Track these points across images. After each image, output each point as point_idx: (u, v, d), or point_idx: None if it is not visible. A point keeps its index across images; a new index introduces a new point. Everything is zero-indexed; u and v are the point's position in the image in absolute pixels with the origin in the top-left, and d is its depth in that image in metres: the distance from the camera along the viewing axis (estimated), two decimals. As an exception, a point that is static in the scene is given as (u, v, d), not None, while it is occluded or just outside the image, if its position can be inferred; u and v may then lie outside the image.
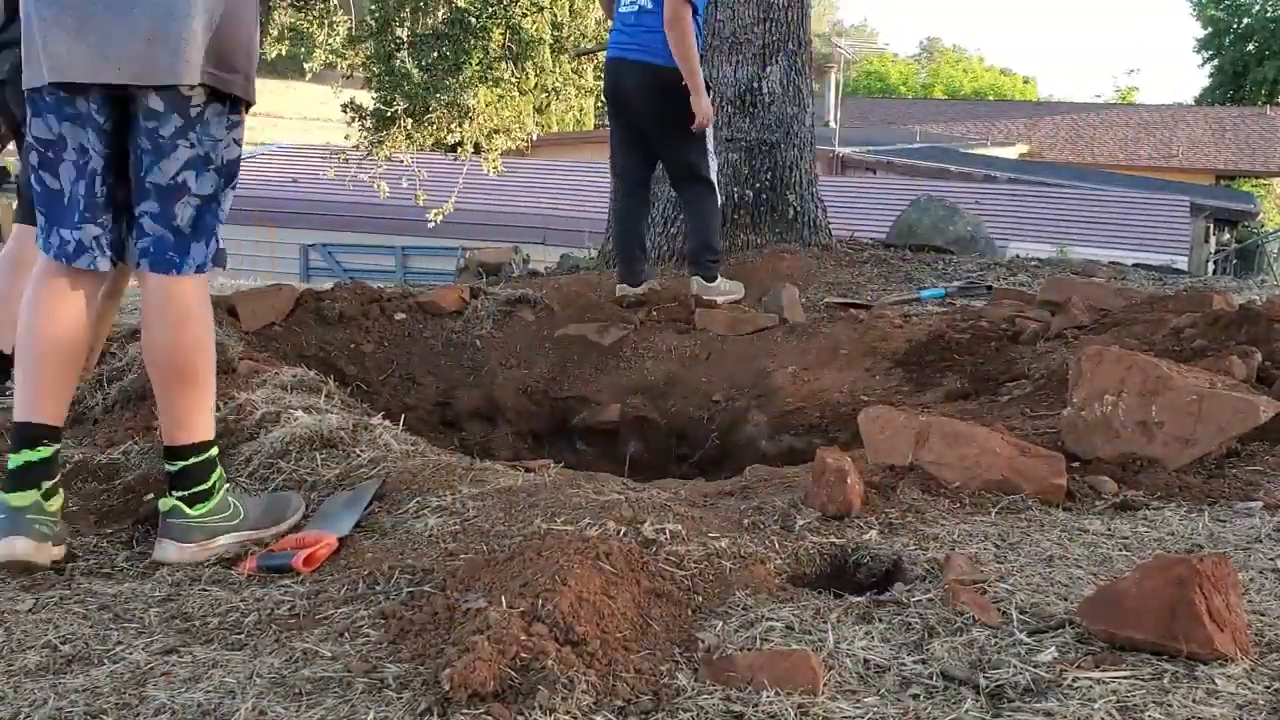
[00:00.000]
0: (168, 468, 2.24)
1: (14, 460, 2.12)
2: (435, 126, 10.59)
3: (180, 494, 2.21)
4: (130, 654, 1.74)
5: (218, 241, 2.24)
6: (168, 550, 2.17)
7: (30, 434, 2.14)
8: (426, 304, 4.37)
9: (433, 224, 12.63)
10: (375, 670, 1.62)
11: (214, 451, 2.27)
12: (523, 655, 1.52)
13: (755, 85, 5.84)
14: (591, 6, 11.29)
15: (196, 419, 2.23)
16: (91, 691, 1.61)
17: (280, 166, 18.62)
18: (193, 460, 2.22)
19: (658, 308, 4.45)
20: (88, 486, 2.66)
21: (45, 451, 2.14)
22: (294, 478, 2.56)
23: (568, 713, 1.45)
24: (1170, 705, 1.43)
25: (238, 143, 2.22)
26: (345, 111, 11.11)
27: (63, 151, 2.13)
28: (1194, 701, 1.44)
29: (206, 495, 2.22)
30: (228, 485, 2.31)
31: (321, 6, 10.42)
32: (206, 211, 2.18)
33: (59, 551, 2.14)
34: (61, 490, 2.21)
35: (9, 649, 1.77)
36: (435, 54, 10.25)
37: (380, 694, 1.55)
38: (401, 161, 11.85)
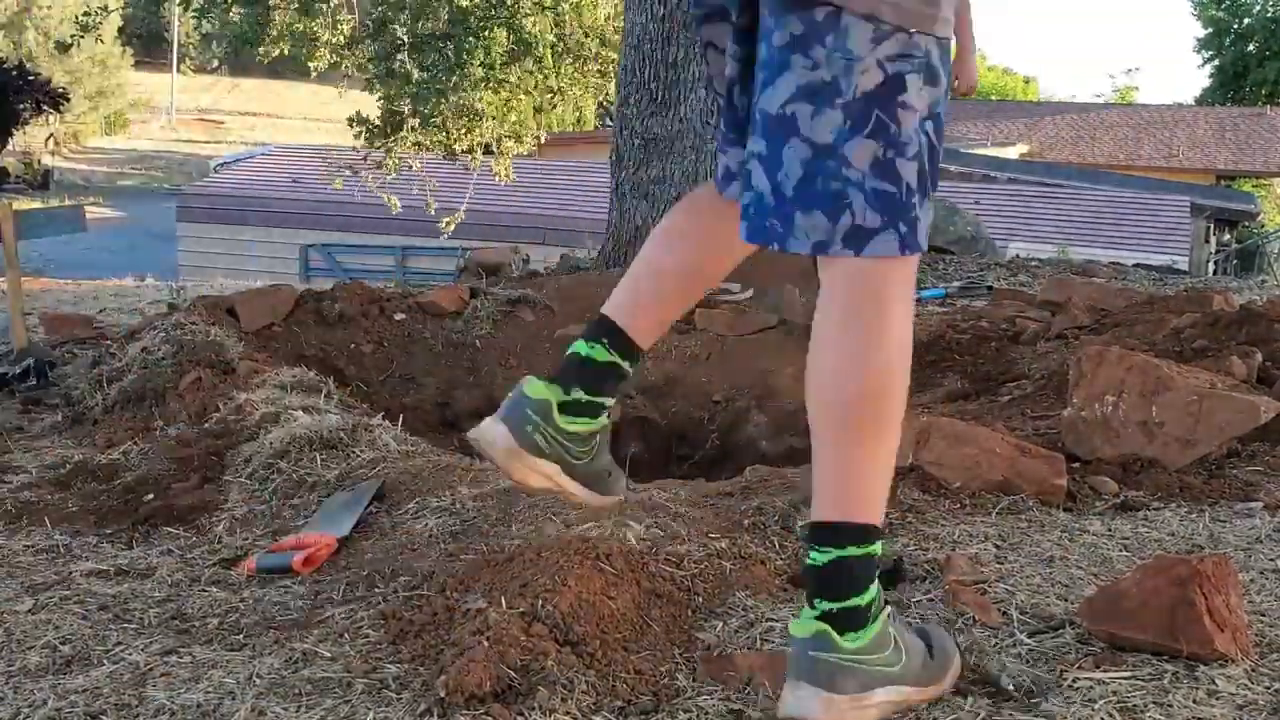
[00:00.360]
0: (810, 558, 1.46)
1: (577, 345, 1.65)
2: (446, 134, 10.58)
3: (827, 608, 1.43)
4: (130, 654, 1.74)
5: (854, 217, 1.43)
6: (807, 702, 1.41)
7: (601, 329, 1.64)
8: (426, 304, 4.37)
9: (445, 234, 12.61)
10: (375, 671, 1.62)
11: (878, 547, 1.47)
12: (522, 656, 1.52)
13: (755, 85, 5.83)
14: (597, 3, 11.30)
15: (869, 488, 1.47)
16: (91, 692, 1.61)
17: (280, 166, 18.62)
18: (852, 551, 1.44)
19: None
20: (88, 486, 2.66)
21: (601, 355, 1.62)
22: (293, 478, 2.56)
23: (568, 713, 1.45)
24: (1170, 705, 1.43)
25: (902, 76, 1.41)
26: (351, 125, 11.10)
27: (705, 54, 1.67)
28: (1194, 702, 1.44)
29: (864, 619, 1.45)
30: (889, 609, 1.50)
31: (322, 5, 10.41)
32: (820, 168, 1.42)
33: (552, 470, 1.60)
34: (605, 426, 1.66)
35: (9, 649, 1.77)
36: (436, 55, 10.24)
37: (380, 694, 1.55)
38: (410, 168, 11.83)
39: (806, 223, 1.43)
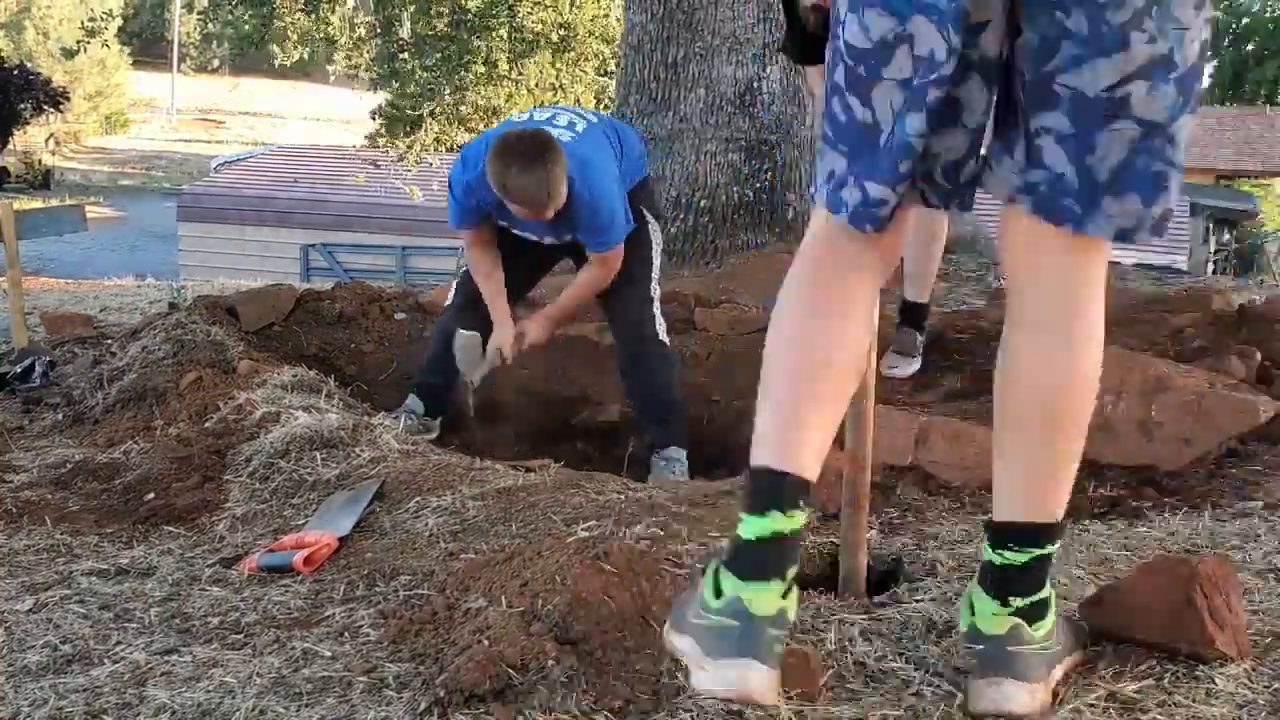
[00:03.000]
0: (996, 558, 1.46)
1: (753, 527, 1.42)
2: (465, 127, 10.61)
3: (1021, 604, 1.45)
4: (131, 653, 1.74)
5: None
6: (1011, 695, 1.42)
7: (781, 489, 1.42)
8: (426, 304, 4.37)
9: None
10: (375, 670, 1.62)
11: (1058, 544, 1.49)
12: (522, 655, 1.52)
13: (755, 85, 5.83)
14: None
15: (1066, 486, 1.48)
16: (91, 691, 1.61)
17: (280, 166, 18.62)
18: (1047, 550, 1.47)
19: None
20: (88, 486, 2.66)
21: (797, 519, 1.43)
22: (294, 478, 2.56)
23: (567, 712, 1.45)
24: (1171, 705, 1.43)
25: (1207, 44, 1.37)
26: (374, 118, 11.13)
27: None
28: (1194, 701, 1.44)
29: (1045, 609, 1.48)
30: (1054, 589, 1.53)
31: (327, 6, 10.41)
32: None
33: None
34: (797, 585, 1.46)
35: (9, 649, 1.77)
36: (439, 54, 10.26)
37: (380, 694, 1.55)
38: (430, 164, 11.85)
39: (1117, 207, 1.36)
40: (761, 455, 1.44)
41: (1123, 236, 1.38)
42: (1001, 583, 1.47)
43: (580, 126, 3.33)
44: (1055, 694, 1.47)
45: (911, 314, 3.42)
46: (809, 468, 1.43)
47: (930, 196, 1.47)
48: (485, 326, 3.43)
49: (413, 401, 3.52)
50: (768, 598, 1.39)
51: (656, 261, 3.52)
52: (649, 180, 3.54)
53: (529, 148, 3.02)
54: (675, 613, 1.52)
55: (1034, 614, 1.47)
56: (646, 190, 3.52)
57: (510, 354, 3.42)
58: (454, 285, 3.66)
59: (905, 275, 3.34)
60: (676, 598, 1.60)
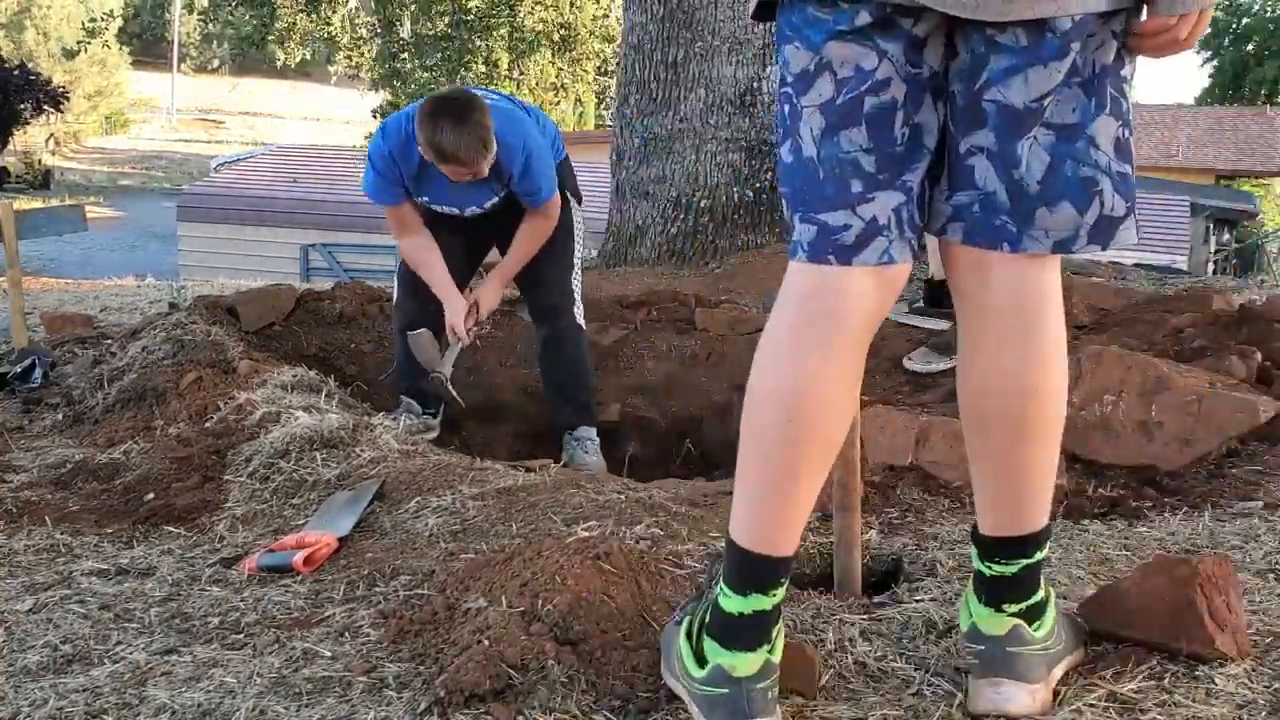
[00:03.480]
0: (986, 569, 1.48)
1: (735, 603, 1.40)
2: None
3: (1016, 609, 1.47)
4: (130, 654, 1.74)
5: None
6: (1011, 695, 1.43)
7: (764, 574, 1.40)
8: (427, 304, 4.37)
9: None
10: (375, 670, 1.62)
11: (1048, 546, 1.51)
12: (522, 655, 1.52)
13: (755, 85, 5.84)
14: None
15: (1046, 495, 1.47)
16: (91, 691, 1.61)
17: (280, 166, 18.61)
18: (1037, 558, 1.48)
19: (658, 308, 4.45)
20: (88, 486, 2.66)
21: (779, 594, 1.42)
22: (294, 478, 2.56)
23: (567, 712, 1.45)
24: (1171, 705, 1.43)
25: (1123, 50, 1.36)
26: (376, 117, 11.17)
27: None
28: (1194, 701, 1.44)
29: (1043, 609, 1.50)
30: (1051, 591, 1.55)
31: (327, 5, 10.42)
32: None
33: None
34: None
35: (9, 649, 1.77)
36: (440, 54, 10.27)
37: (380, 694, 1.55)
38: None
39: (1050, 219, 1.35)
40: (742, 537, 1.40)
41: (1061, 248, 1.37)
42: (994, 592, 1.48)
43: (494, 98, 3.36)
44: (1055, 693, 1.48)
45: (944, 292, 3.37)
46: (791, 544, 1.41)
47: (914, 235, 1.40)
48: (434, 310, 3.41)
49: (407, 402, 3.53)
50: (752, 660, 1.39)
51: (579, 243, 3.54)
52: (567, 161, 3.53)
53: (457, 105, 3.03)
54: (666, 648, 1.53)
55: (1032, 615, 1.48)
56: (567, 170, 3.53)
57: (467, 330, 3.39)
58: (394, 281, 3.61)
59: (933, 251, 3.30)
60: (664, 632, 1.58)
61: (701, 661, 1.42)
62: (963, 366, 1.45)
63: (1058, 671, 1.50)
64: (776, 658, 1.42)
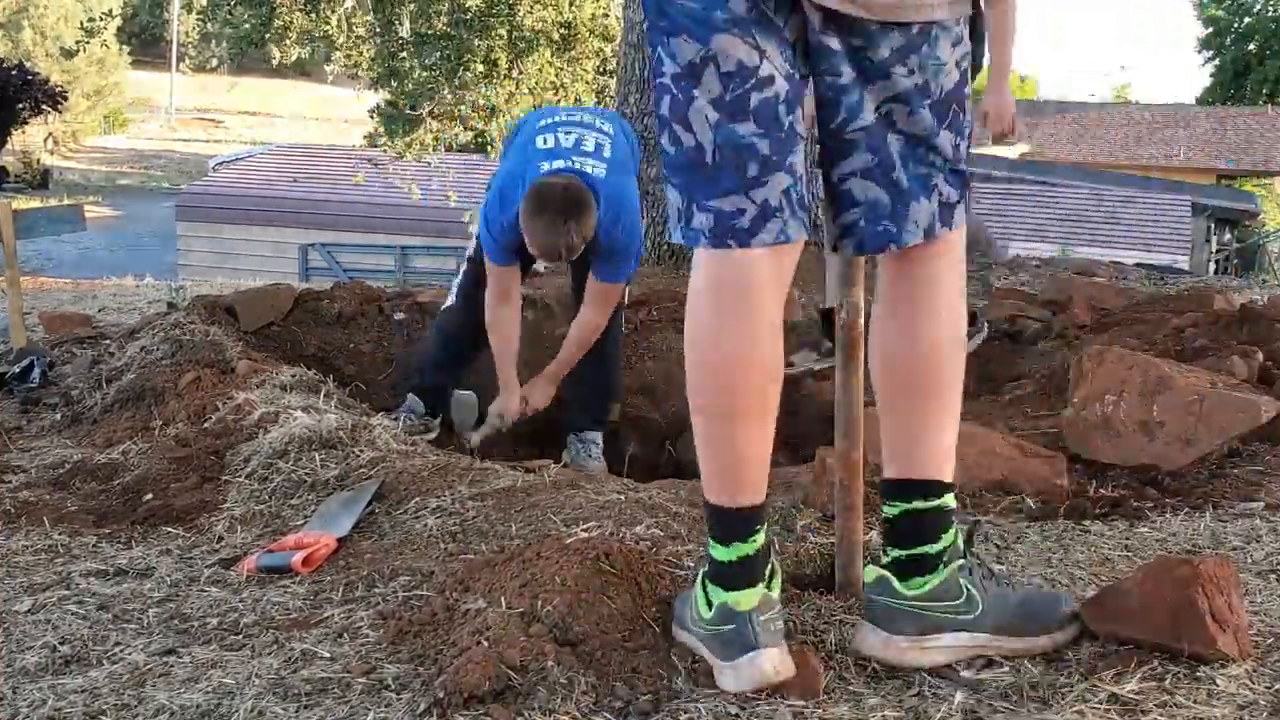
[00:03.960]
0: (886, 510, 1.64)
1: (722, 553, 1.55)
2: (462, 123, 10.62)
3: (896, 555, 1.61)
4: (129, 654, 1.74)
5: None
6: (868, 640, 1.59)
7: (736, 524, 1.56)
8: (426, 304, 4.36)
9: (472, 228, 12.65)
10: (374, 671, 1.62)
11: (950, 501, 1.62)
12: (522, 656, 1.52)
13: (755, 85, 5.83)
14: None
15: (941, 445, 1.61)
16: (90, 692, 1.60)
17: (280, 166, 18.61)
18: (921, 505, 1.60)
19: (658, 308, 4.45)
20: (87, 486, 2.66)
21: (759, 539, 1.57)
22: (293, 478, 2.55)
23: (567, 713, 1.44)
24: (1172, 706, 1.43)
25: (966, 71, 1.58)
26: (373, 116, 11.15)
27: None
28: (1195, 702, 1.44)
29: (928, 567, 1.59)
30: (961, 562, 1.62)
31: (326, 5, 10.41)
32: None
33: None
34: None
35: (9, 649, 1.77)
36: (439, 54, 10.25)
37: (379, 695, 1.55)
38: (429, 164, 11.86)
39: (919, 210, 1.54)
40: (712, 496, 1.56)
41: (928, 233, 1.56)
42: (886, 534, 1.65)
43: (607, 150, 3.27)
44: (953, 666, 1.56)
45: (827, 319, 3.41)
46: (757, 494, 1.55)
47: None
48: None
49: (413, 401, 3.52)
50: (750, 594, 1.53)
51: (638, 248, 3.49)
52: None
53: (561, 205, 3.02)
54: (678, 610, 1.68)
55: (911, 568, 1.59)
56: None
57: (511, 421, 3.42)
58: (454, 286, 3.64)
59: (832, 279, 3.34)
60: (677, 596, 1.72)
61: (709, 604, 1.56)
62: (876, 334, 1.64)
63: (952, 640, 1.57)
64: (775, 593, 1.57)
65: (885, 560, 1.62)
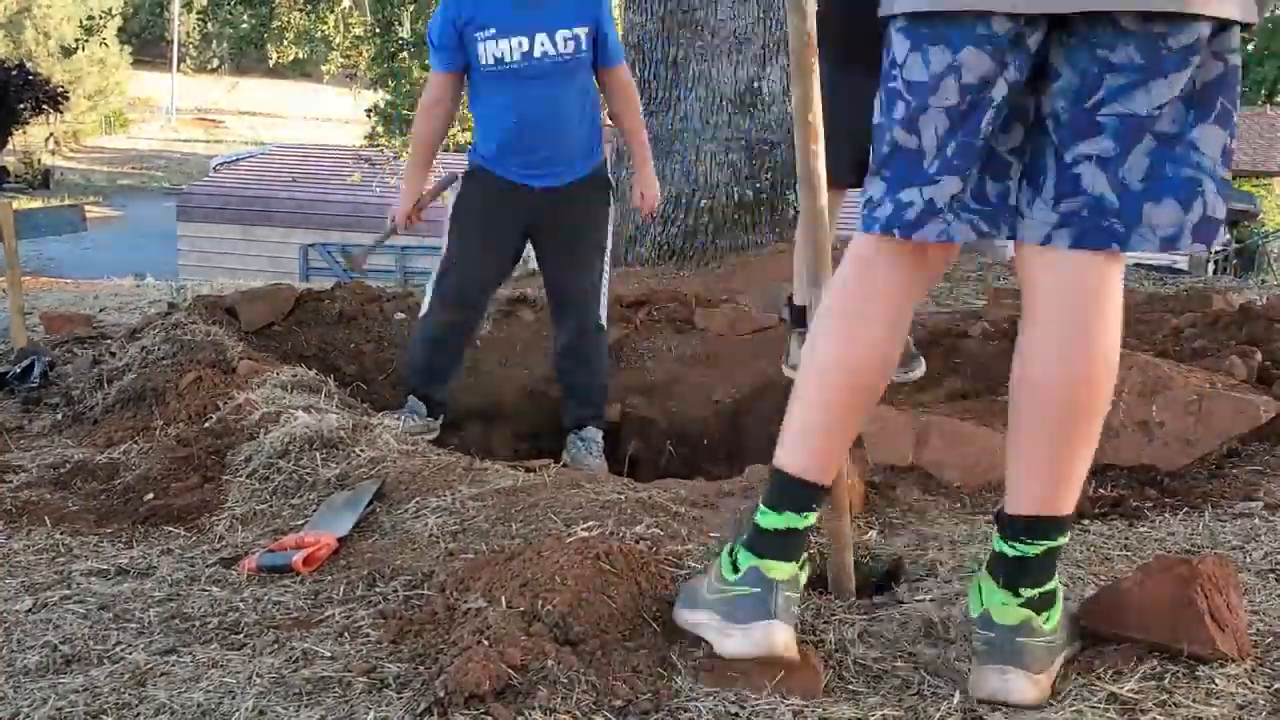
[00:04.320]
0: (1009, 549, 1.54)
1: (771, 519, 1.59)
2: (462, 125, 10.63)
3: (1031, 595, 1.53)
4: (130, 654, 1.74)
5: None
6: (1015, 685, 1.49)
7: (800, 495, 1.58)
8: (426, 304, 4.37)
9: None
10: (375, 670, 1.62)
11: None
12: (522, 656, 1.52)
13: (755, 85, 5.83)
14: None
15: (1080, 480, 1.55)
16: (91, 691, 1.61)
17: (280, 166, 18.61)
18: (1059, 543, 1.54)
19: (658, 308, 4.45)
20: (88, 486, 2.66)
21: (811, 519, 1.60)
22: (294, 478, 2.56)
23: (567, 712, 1.45)
24: (1171, 705, 1.43)
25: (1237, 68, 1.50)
26: (369, 116, 11.16)
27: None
28: (1195, 701, 1.44)
29: (1053, 599, 1.56)
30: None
31: (324, 6, 10.42)
32: None
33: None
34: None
35: (9, 649, 1.77)
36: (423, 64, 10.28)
37: (380, 694, 1.55)
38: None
39: (1157, 216, 1.45)
40: (784, 458, 1.59)
41: (1168, 244, 1.46)
42: (1013, 574, 1.53)
43: None
44: (1053, 686, 1.50)
45: None
46: (828, 474, 1.59)
47: (980, 224, 1.54)
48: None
49: (414, 403, 3.51)
50: (784, 567, 1.56)
51: (610, 244, 3.50)
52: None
53: None
54: (685, 593, 1.69)
55: (1043, 604, 1.52)
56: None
57: (399, 227, 3.48)
58: (426, 289, 3.50)
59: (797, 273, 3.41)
60: (683, 583, 1.73)
61: (736, 568, 1.58)
62: (1024, 352, 1.55)
63: (1058, 663, 1.54)
64: (803, 579, 1.60)
65: (1021, 600, 1.52)
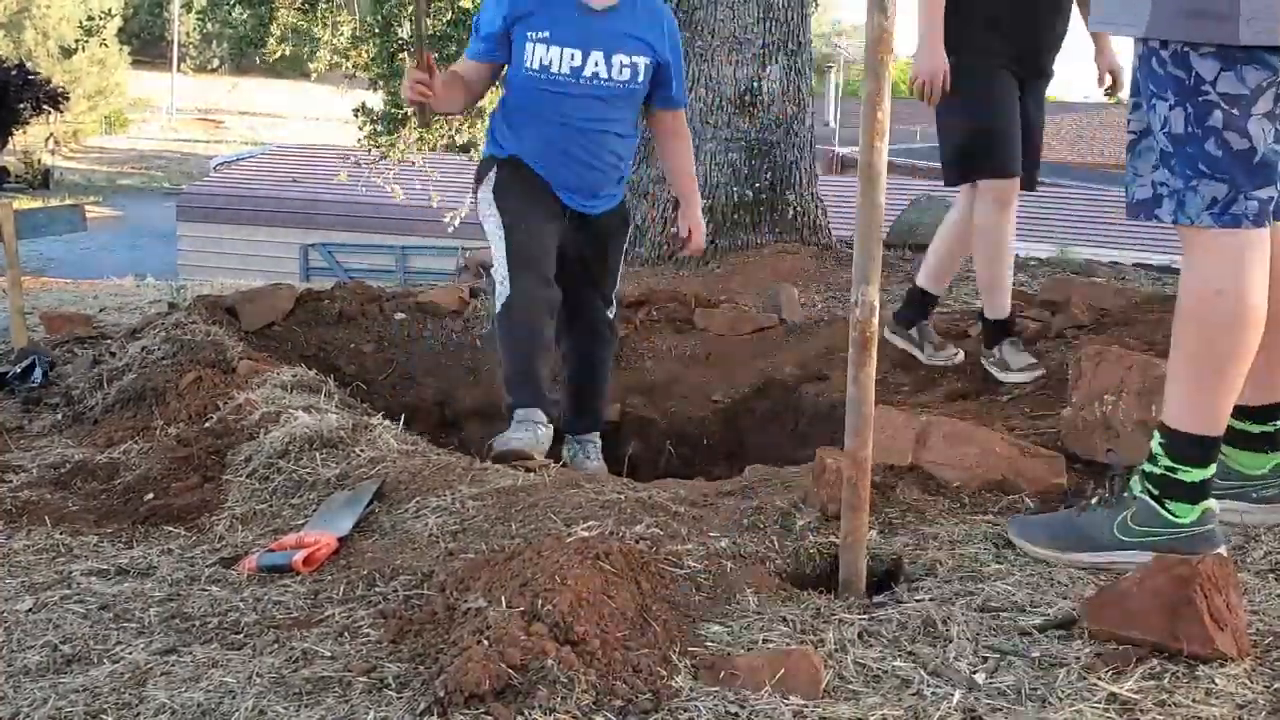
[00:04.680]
0: (1254, 428, 2.13)
1: (1195, 474, 1.92)
2: (449, 126, 10.63)
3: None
4: (130, 653, 1.74)
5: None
6: (1261, 513, 2.12)
7: (1209, 452, 1.93)
8: (426, 304, 4.37)
9: (451, 228, 12.64)
10: (375, 670, 1.62)
11: None
12: (522, 656, 1.52)
13: (755, 85, 5.84)
14: None
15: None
16: (91, 691, 1.61)
17: (280, 166, 18.62)
18: None
19: (657, 307, 4.45)
20: (88, 486, 2.66)
21: (1210, 469, 1.94)
22: (294, 478, 2.56)
23: (568, 712, 1.45)
24: (1171, 705, 1.43)
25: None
26: (356, 115, 11.14)
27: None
28: (1194, 701, 1.44)
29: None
30: None
31: (324, 6, 10.43)
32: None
33: None
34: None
35: (9, 649, 1.77)
36: (438, 55, 10.28)
37: (380, 694, 1.55)
38: (413, 164, 11.86)
39: None
40: (1197, 426, 1.90)
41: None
42: (1272, 440, 2.08)
43: None
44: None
45: (924, 300, 3.58)
46: (1224, 425, 1.94)
47: None
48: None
49: (527, 413, 3.01)
50: (1213, 504, 1.94)
51: (622, 269, 3.45)
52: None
53: None
54: (1074, 529, 2.01)
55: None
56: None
57: (413, 94, 2.96)
58: (495, 281, 3.10)
59: (929, 265, 3.52)
60: (1080, 516, 2.05)
61: (1191, 509, 1.92)
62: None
63: None
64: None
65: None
